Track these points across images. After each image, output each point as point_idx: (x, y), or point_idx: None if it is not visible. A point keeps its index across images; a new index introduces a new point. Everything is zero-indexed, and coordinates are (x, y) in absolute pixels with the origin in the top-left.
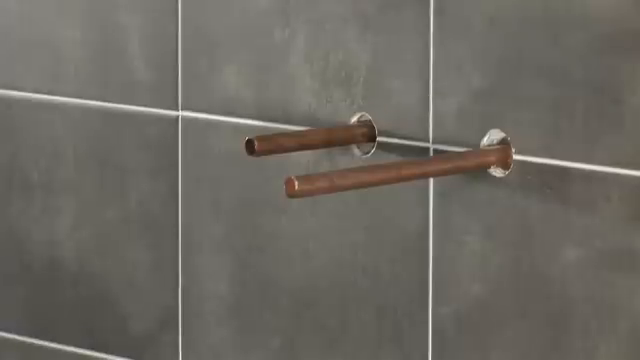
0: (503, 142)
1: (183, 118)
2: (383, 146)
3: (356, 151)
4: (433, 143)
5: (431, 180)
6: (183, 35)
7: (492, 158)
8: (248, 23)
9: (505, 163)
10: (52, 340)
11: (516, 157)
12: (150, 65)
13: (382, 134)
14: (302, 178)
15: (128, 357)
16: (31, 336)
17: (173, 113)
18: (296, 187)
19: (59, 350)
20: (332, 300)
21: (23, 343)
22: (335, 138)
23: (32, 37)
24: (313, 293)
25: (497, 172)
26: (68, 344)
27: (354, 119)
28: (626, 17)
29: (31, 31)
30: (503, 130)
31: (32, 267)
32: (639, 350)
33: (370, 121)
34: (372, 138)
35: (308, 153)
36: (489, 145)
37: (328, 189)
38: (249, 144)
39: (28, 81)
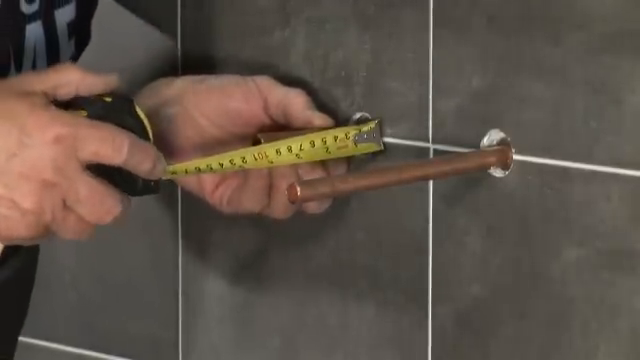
0: (503, 142)
1: None
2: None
3: None
4: (433, 143)
5: (431, 180)
6: (183, 35)
7: (492, 159)
8: (248, 23)
9: (505, 163)
10: (52, 340)
11: (516, 157)
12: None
13: (382, 134)
14: (304, 184)
15: (128, 357)
16: (32, 336)
17: None
18: (299, 193)
19: (59, 350)
20: (332, 300)
21: (23, 343)
22: None
23: None
24: (313, 293)
25: (497, 172)
26: (68, 344)
27: (354, 119)
28: (626, 17)
29: None
30: (503, 130)
31: None
32: (639, 350)
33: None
34: None
35: None
36: (489, 145)
37: (330, 194)
38: (257, 143)
39: None
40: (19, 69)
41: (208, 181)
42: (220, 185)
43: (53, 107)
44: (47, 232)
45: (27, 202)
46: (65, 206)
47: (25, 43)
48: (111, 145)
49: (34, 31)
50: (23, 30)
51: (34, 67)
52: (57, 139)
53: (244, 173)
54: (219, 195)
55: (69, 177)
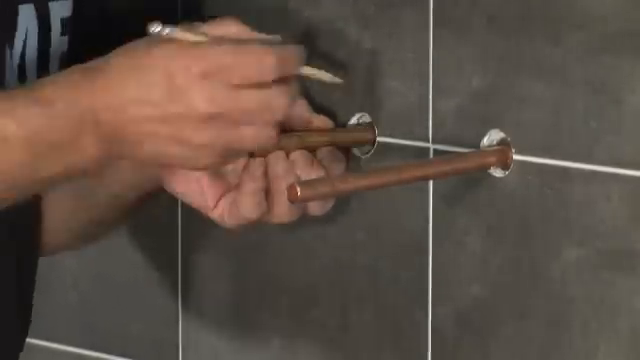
0: (503, 142)
1: None
2: (383, 146)
3: (355, 151)
4: (433, 143)
5: (431, 180)
6: None
7: (492, 159)
8: (248, 23)
9: (505, 163)
10: (53, 340)
11: (516, 157)
12: None
13: (382, 134)
14: (304, 184)
15: (128, 357)
16: (32, 336)
17: None
18: (299, 193)
19: (60, 350)
20: (332, 300)
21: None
22: (338, 140)
23: None
24: (313, 293)
25: (497, 172)
26: (69, 344)
27: (354, 119)
28: (626, 17)
29: None
30: (503, 130)
31: None
32: (639, 350)
33: (370, 122)
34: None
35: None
36: (489, 145)
37: (330, 194)
38: None
39: None
40: (11, 46)
41: (210, 196)
42: (221, 199)
43: (189, 44)
44: (226, 159)
45: (196, 138)
46: (239, 127)
47: (18, 21)
48: (260, 66)
49: (27, 12)
50: (16, 8)
51: (24, 47)
52: (204, 75)
53: (239, 182)
54: (220, 209)
55: (228, 103)
